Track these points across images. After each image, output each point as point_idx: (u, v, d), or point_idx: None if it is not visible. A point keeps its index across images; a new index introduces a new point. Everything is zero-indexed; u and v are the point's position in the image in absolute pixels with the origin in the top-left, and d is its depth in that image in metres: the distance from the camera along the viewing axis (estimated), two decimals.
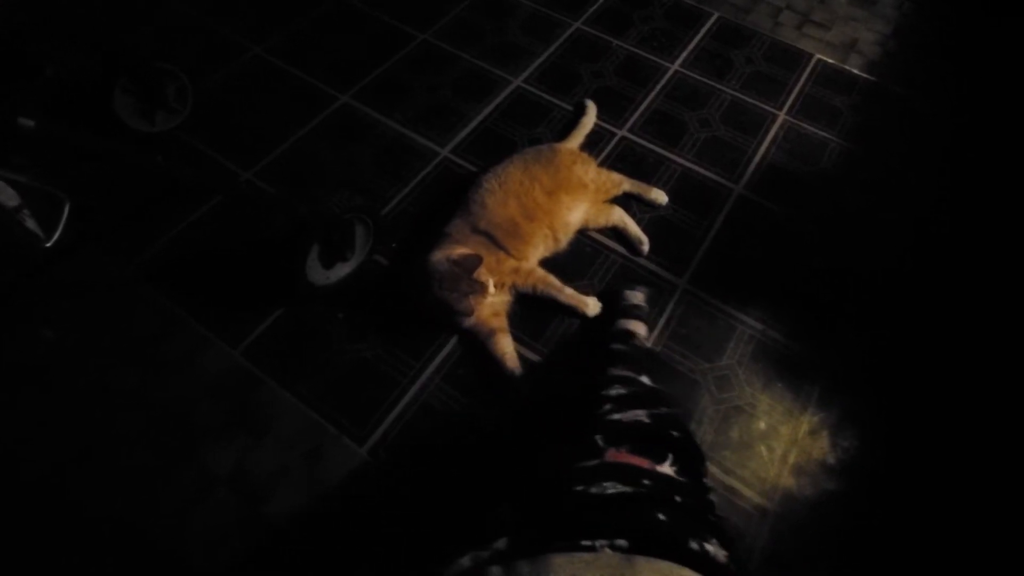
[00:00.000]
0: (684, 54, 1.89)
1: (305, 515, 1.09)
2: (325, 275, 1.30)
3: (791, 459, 1.21)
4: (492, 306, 1.26)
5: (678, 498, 0.61)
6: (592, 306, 1.31)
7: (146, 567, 1.04)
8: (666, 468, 0.68)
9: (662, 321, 1.35)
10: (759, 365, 1.31)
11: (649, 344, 1.27)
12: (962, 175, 1.67)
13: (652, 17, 1.99)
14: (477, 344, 1.26)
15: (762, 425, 1.24)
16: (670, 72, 1.84)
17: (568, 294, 1.30)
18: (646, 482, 0.62)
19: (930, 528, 1.14)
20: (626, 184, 1.49)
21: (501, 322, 1.26)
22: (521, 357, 1.26)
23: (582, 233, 1.45)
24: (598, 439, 0.71)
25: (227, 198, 1.43)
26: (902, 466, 1.21)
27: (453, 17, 1.93)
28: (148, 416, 1.18)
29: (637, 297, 1.30)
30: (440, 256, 1.21)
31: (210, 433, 1.16)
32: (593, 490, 0.59)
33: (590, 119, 1.63)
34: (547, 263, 1.39)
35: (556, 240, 1.36)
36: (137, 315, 1.29)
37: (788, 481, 1.18)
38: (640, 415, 0.75)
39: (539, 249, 1.34)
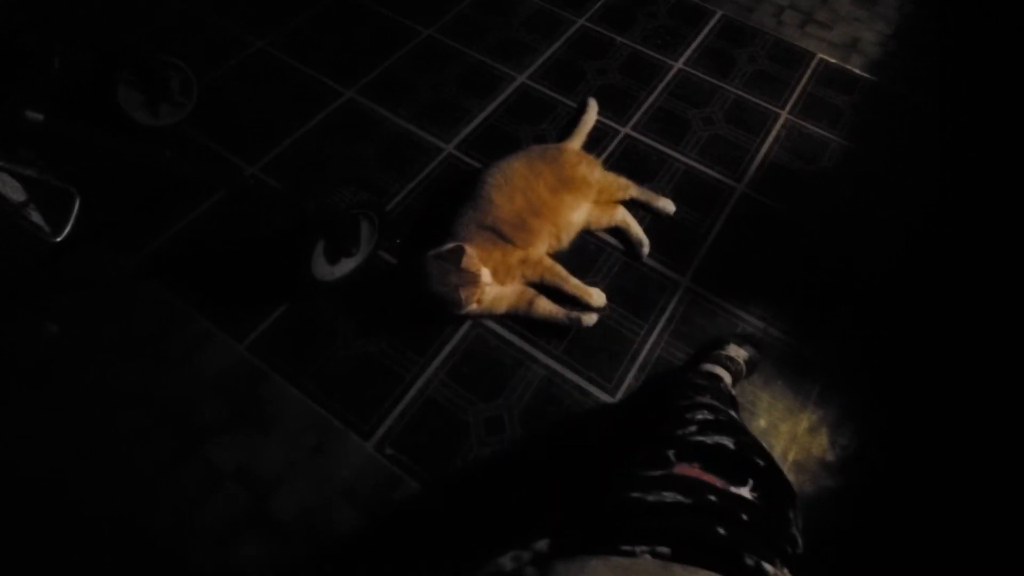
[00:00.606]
0: (688, 52, 1.89)
1: (311, 510, 1.10)
2: (330, 270, 1.30)
3: (791, 456, 1.22)
4: (515, 287, 1.30)
5: (745, 516, 0.55)
6: (596, 297, 1.31)
7: (148, 565, 1.05)
8: (743, 491, 0.60)
9: (664, 318, 1.36)
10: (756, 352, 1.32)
11: (734, 391, 1.17)
12: (962, 175, 1.68)
13: (656, 14, 1.99)
14: (519, 317, 1.32)
15: (762, 422, 1.25)
16: (674, 70, 1.84)
17: (573, 284, 1.31)
18: (712, 498, 0.56)
19: (929, 525, 1.16)
20: (633, 190, 1.48)
21: (530, 292, 1.30)
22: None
23: (585, 231, 1.46)
24: (670, 454, 0.64)
25: (231, 193, 1.43)
26: (901, 464, 1.23)
27: (457, 13, 1.93)
28: (152, 410, 1.18)
29: (739, 353, 1.22)
30: (428, 255, 1.22)
31: (215, 428, 1.17)
32: (651, 498, 0.55)
33: (591, 117, 1.64)
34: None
35: (559, 239, 1.36)
36: (141, 310, 1.29)
37: (788, 478, 1.19)
38: (725, 440, 0.67)
39: (544, 245, 1.35)
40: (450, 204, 1.39)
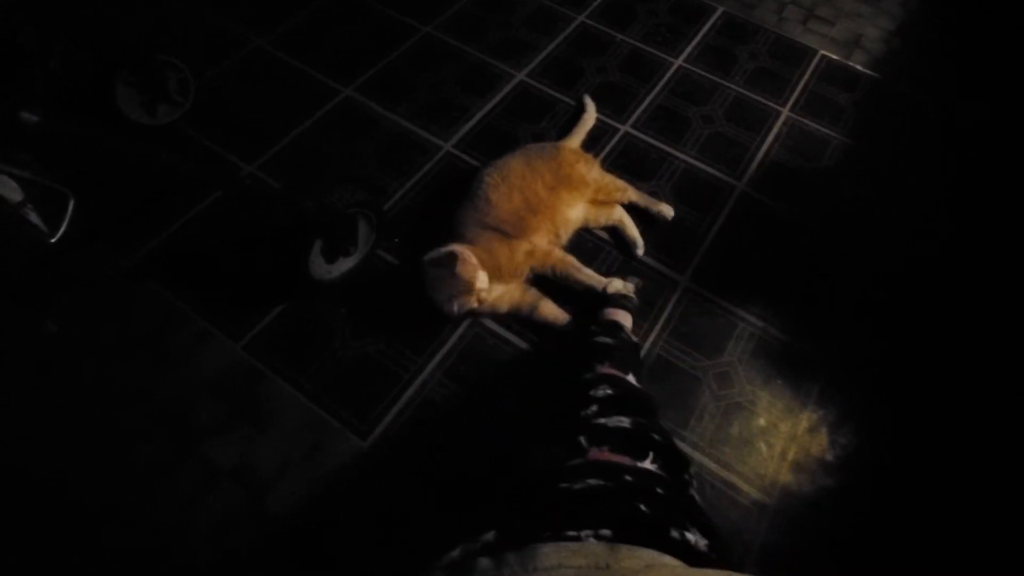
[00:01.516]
0: (688, 49, 1.88)
1: (308, 509, 1.10)
2: (328, 270, 1.30)
3: (790, 456, 1.22)
4: (519, 287, 1.29)
5: (659, 490, 0.63)
6: (616, 283, 1.31)
7: (147, 562, 1.05)
8: (647, 464, 0.70)
9: (663, 317, 1.36)
10: (759, 362, 1.32)
11: (635, 338, 1.27)
12: (965, 173, 1.67)
13: (657, 11, 1.98)
14: (521, 318, 1.31)
15: (762, 422, 1.25)
16: (674, 67, 1.83)
17: (587, 274, 1.30)
18: (628, 478, 0.64)
19: (929, 525, 1.15)
20: (632, 193, 1.46)
21: (535, 295, 1.29)
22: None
23: (583, 229, 1.45)
24: (582, 440, 0.74)
25: (228, 193, 1.43)
26: (901, 463, 1.22)
27: (456, 10, 1.92)
28: (150, 410, 1.18)
29: (628, 286, 1.31)
30: (425, 257, 1.22)
31: (213, 427, 1.17)
32: (577, 486, 0.61)
33: (590, 116, 1.63)
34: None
35: (556, 235, 1.36)
36: (139, 309, 1.30)
37: (787, 477, 1.19)
38: (624, 422, 0.78)
39: (543, 242, 1.34)
40: (449, 203, 1.39)
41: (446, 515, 1.11)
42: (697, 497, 0.72)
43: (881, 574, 1.11)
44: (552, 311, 1.29)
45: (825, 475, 1.20)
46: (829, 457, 1.22)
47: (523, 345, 1.30)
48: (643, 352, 1.31)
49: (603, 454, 0.71)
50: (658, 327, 1.34)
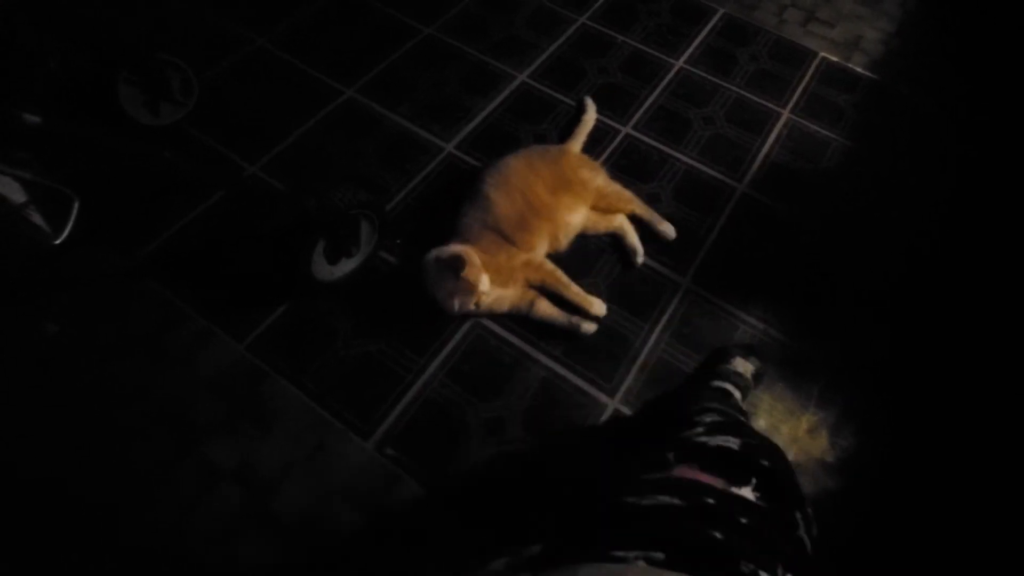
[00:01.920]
0: (689, 50, 1.88)
1: (310, 510, 1.10)
2: (330, 271, 1.30)
3: (791, 457, 1.21)
4: (518, 288, 1.30)
5: (744, 520, 0.53)
6: (597, 306, 1.31)
7: (148, 563, 1.05)
8: (744, 492, 0.58)
9: (664, 319, 1.36)
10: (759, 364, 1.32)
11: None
12: (965, 174, 1.68)
13: (658, 13, 1.98)
14: (520, 316, 1.32)
15: (762, 423, 1.25)
16: (675, 69, 1.83)
17: (574, 291, 1.31)
18: (709, 500, 0.54)
19: (929, 526, 1.16)
20: (636, 206, 1.45)
21: (531, 294, 1.30)
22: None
23: (584, 234, 1.46)
24: (670, 456, 0.63)
25: (230, 193, 1.43)
26: (901, 465, 1.23)
27: (459, 11, 1.92)
28: (152, 410, 1.18)
29: (745, 367, 1.19)
30: (429, 255, 1.23)
31: (214, 427, 1.17)
32: (645, 502, 0.53)
33: (591, 117, 1.63)
34: (552, 261, 1.39)
35: (557, 239, 1.36)
36: (141, 309, 1.29)
37: (798, 481, 1.19)
38: (731, 442, 0.63)
39: (544, 246, 1.35)
40: (451, 203, 1.39)
41: (449, 514, 1.11)
42: (807, 542, 0.59)
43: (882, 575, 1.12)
44: (549, 310, 1.29)
45: (826, 477, 1.20)
46: (830, 459, 1.22)
47: (525, 347, 1.30)
48: (644, 354, 1.31)
49: (690, 471, 0.60)
50: (659, 328, 1.35)
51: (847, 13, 2.07)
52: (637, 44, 1.89)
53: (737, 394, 1.14)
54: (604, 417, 1.23)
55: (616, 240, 1.45)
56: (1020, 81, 1.89)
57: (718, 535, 0.49)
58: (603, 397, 1.26)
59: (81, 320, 1.27)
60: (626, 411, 1.24)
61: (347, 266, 1.33)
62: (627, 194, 1.45)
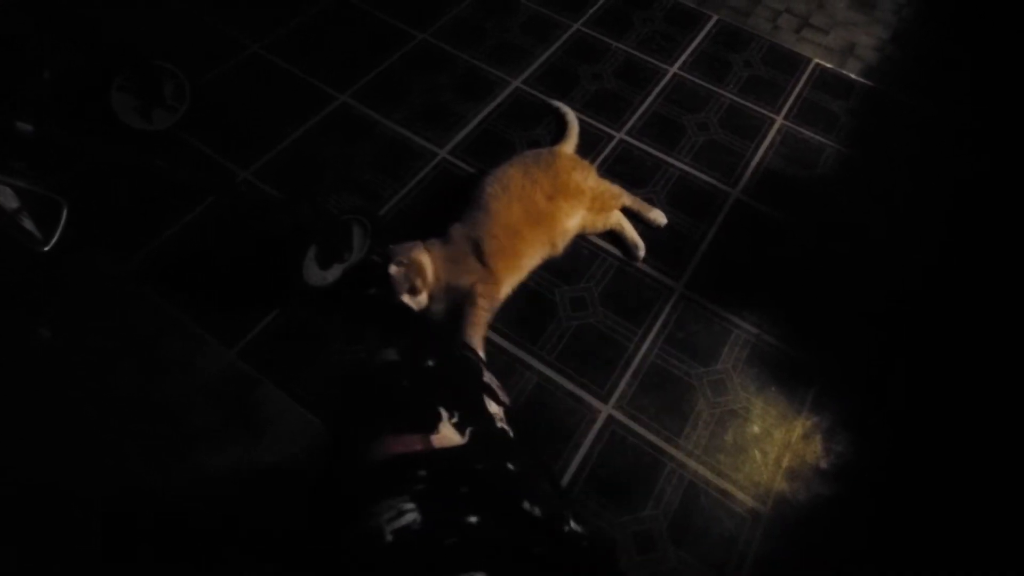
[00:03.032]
0: (683, 57, 1.89)
1: (304, 515, 1.10)
2: (322, 276, 1.30)
3: (784, 463, 1.22)
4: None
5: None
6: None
7: (142, 570, 1.04)
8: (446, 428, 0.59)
9: (658, 324, 1.36)
10: (754, 369, 1.32)
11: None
12: (960, 179, 1.68)
13: (652, 19, 1.99)
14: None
15: (756, 429, 1.25)
16: (669, 75, 1.84)
17: (476, 326, 1.24)
18: (422, 473, 0.55)
19: (923, 531, 1.15)
20: (626, 199, 1.47)
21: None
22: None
23: (580, 236, 1.46)
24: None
25: (223, 199, 1.43)
26: (895, 470, 1.22)
27: (453, 16, 1.93)
28: (144, 415, 1.18)
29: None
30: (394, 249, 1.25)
31: (207, 434, 1.16)
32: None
33: (573, 117, 1.62)
34: (546, 266, 1.39)
35: (553, 246, 1.36)
36: (133, 315, 1.29)
37: (781, 485, 1.19)
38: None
39: (537, 255, 1.34)
40: (444, 209, 1.39)
41: None
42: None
43: None
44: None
45: (820, 482, 1.20)
46: (823, 464, 1.22)
47: (518, 352, 1.30)
48: (638, 360, 1.31)
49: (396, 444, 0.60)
50: (653, 334, 1.35)
51: (841, 19, 2.08)
52: (631, 50, 1.89)
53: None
54: (598, 423, 1.23)
55: (615, 237, 1.46)
56: (1016, 87, 1.90)
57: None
58: (596, 403, 1.25)
59: (74, 325, 1.26)
60: (620, 416, 1.24)
61: (340, 271, 1.33)
62: (615, 189, 1.46)
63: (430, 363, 0.72)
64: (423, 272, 1.23)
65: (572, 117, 1.63)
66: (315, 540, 0.61)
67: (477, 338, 1.23)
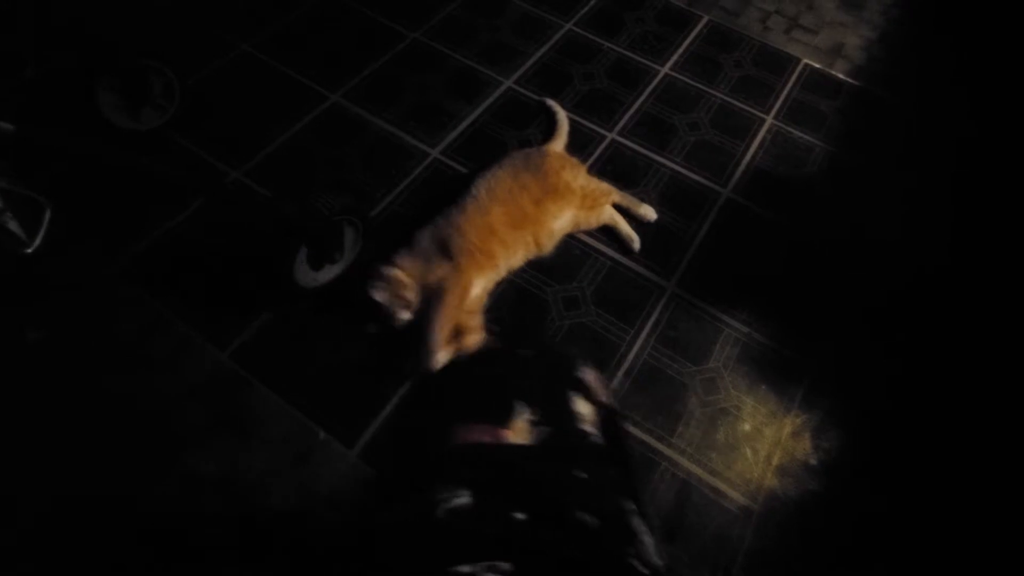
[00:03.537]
0: (674, 57, 1.90)
1: (294, 518, 1.09)
2: (313, 277, 1.29)
3: (775, 460, 1.23)
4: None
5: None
6: (472, 340, 1.24)
7: (129, 571, 1.03)
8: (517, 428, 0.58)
9: (650, 323, 1.37)
10: (744, 368, 1.33)
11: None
12: (947, 178, 1.70)
13: (643, 19, 2.00)
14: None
15: (747, 427, 1.26)
16: (660, 75, 1.85)
17: (436, 328, 1.21)
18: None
19: (911, 526, 1.17)
20: (615, 196, 1.48)
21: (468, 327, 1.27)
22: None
23: (572, 235, 1.46)
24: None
25: (211, 200, 1.42)
26: (884, 466, 1.24)
27: (445, 16, 1.92)
28: (133, 417, 1.17)
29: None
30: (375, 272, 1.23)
31: (197, 435, 1.16)
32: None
33: (563, 115, 1.62)
34: (536, 265, 1.40)
35: (539, 247, 1.36)
36: (122, 316, 1.28)
37: (772, 482, 1.20)
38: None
39: (518, 255, 1.34)
40: (436, 209, 1.39)
41: (426, 526, 1.10)
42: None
43: None
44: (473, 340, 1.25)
45: (810, 479, 1.21)
46: (813, 461, 1.23)
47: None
48: (630, 359, 1.32)
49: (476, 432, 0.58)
50: (645, 333, 1.35)
51: (830, 20, 2.10)
52: (622, 50, 1.90)
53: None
54: None
55: (610, 232, 1.47)
56: (1002, 86, 1.93)
57: (566, 535, 0.48)
58: None
59: (63, 326, 1.25)
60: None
61: (331, 272, 1.32)
62: (604, 186, 1.47)
63: (526, 353, 0.71)
64: (403, 283, 1.22)
65: (562, 115, 1.63)
66: (372, 516, 0.60)
67: (442, 333, 1.20)
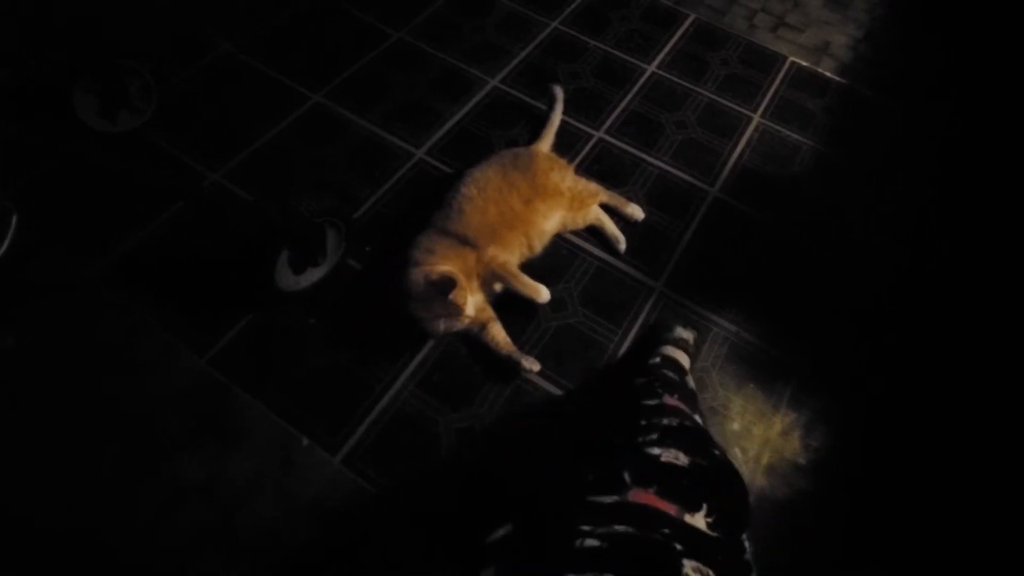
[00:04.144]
0: (661, 55, 1.89)
1: (276, 525, 1.07)
2: (295, 280, 1.27)
3: (764, 460, 1.22)
4: (476, 303, 1.24)
5: (699, 554, 0.55)
6: (544, 293, 1.25)
7: None
8: (697, 519, 0.59)
9: (639, 323, 1.36)
10: (733, 367, 1.32)
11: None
12: (933, 177, 1.71)
13: (629, 18, 1.99)
14: (472, 336, 1.27)
15: (736, 426, 1.25)
16: (647, 73, 1.84)
17: (522, 281, 1.24)
18: (665, 531, 0.56)
19: (900, 525, 1.16)
20: (603, 195, 1.47)
21: (489, 314, 1.27)
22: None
23: (559, 235, 1.45)
24: (626, 476, 0.63)
25: (190, 202, 1.39)
26: (872, 465, 1.23)
27: (429, 15, 1.91)
28: (114, 425, 1.14)
29: (688, 334, 1.27)
30: (418, 273, 1.18)
31: (179, 443, 1.13)
32: (600, 530, 0.54)
33: (557, 114, 1.60)
34: (524, 267, 1.38)
35: (531, 247, 1.35)
36: (101, 321, 1.25)
37: (762, 481, 1.19)
38: (680, 459, 0.65)
39: (515, 255, 1.33)
40: (421, 210, 1.37)
41: (419, 531, 1.09)
42: (752, 565, 0.61)
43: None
44: (498, 336, 1.25)
45: (799, 478, 1.20)
46: (802, 460, 1.22)
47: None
48: (619, 359, 1.30)
49: (647, 496, 0.60)
50: (633, 332, 1.34)
51: (816, 18, 2.10)
52: (609, 49, 1.89)
53: (687, 363, 1.20)
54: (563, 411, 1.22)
55: (596, 231, 1.45)
56: (987, 83, 1.93)
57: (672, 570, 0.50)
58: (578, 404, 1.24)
59: (40, 332, 1.22)
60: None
61: (313, 275, 1.30)
62: (592, 186, 1.46)
63: (716, 453, 0.73)
64: (463, 283, 1.16)
65: (558, 111, 1.60)
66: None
67: (525, 281, 1.24)
